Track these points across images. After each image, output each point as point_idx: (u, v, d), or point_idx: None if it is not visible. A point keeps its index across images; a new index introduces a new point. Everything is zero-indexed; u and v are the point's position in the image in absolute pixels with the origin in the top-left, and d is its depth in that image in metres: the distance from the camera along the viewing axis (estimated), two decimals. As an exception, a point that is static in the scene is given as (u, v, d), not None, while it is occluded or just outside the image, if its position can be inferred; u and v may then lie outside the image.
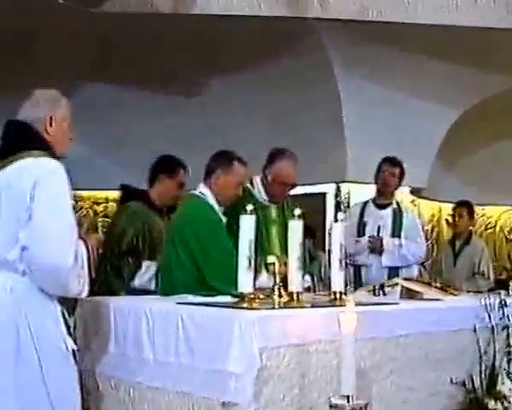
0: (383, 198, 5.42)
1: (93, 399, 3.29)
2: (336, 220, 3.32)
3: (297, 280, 3.12)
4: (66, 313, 3.00)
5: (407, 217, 5.42)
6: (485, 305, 3.56)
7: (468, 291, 4.85)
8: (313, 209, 6.98)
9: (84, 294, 2.93)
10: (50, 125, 3.01)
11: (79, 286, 2.88)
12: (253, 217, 2.97)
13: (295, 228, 3.15)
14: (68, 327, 2.99)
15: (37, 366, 2.81)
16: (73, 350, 2.95)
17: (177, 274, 3.92)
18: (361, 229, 5.34)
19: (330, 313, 2.91)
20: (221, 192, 4.03)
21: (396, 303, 3.51)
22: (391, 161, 5.40)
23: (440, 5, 5.96)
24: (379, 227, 5.26)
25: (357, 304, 3.27)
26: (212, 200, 4.05)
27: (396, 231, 5.29)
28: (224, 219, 4.01)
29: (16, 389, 2.78)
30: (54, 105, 3.06)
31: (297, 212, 3.20)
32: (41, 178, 2.83)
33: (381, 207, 5.40)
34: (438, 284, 3.81)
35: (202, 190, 4.10)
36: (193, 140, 7.31)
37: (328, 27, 6.05)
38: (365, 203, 5.55)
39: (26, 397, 2.79)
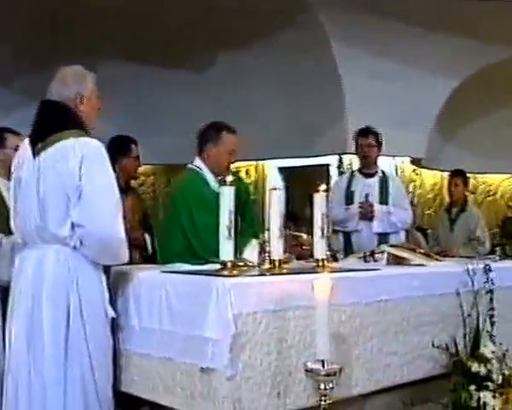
0: (368, 168, 5.45)
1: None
2: (317, 191, 3.34)
3: (278, 249, 3.18)
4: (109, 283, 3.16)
5: (393, 184, 5.45)
6: (468, 270, 3.61)
7: (465, 256, 4.88)
8: (316, 180, 7.04)
9: (127, 259, 3.13)
10: (81, 102, 3.15)
11: (125, 253, 3.07)
12: (233, 188, 3.03)
13: (277, 198, 3.20)
14: (110, 296, 3.15)
15: (82, 332, 3.00)
16: (112, 318, 3.14)
17: (171, 243, 4.01)
18: (349, 198, 5.38)
19: (308, 280, 2.93)
20: (215, 163, 4.09)
21: (377, 269, 3.55)
22: (364, 133, 5.42)
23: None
24: (367, 195, 5.29)
25: (338, 270, 3.35)
26: (207, 173, 4.11)
27: (384, 199, 5.32)
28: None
29: (66, 353, 2.98)
30: (81, 82, 3.18)
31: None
32: (87, 158, 2.98)
33: (368, 175, 5.43)
34: (421, 250, 3.85)
35: (197, 163, 4.16)
36: (199, 114, 7.38)
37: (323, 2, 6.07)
38: (351, 173, 5.63)
39: (74, 361, 2.99)
